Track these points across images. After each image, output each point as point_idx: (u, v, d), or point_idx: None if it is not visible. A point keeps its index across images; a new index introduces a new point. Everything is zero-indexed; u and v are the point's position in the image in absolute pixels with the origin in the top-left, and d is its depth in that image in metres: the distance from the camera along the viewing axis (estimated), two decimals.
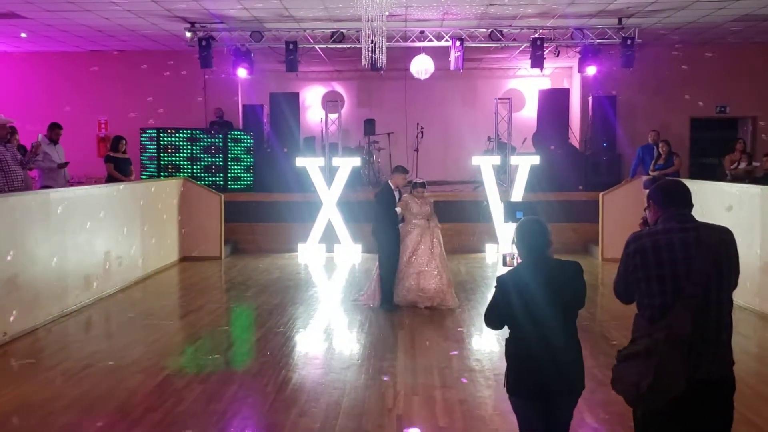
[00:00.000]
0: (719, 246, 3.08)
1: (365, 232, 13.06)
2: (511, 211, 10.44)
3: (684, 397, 2.97)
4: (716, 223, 3.29)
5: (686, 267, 3.02)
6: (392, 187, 8.71)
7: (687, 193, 3.26)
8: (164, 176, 13.52)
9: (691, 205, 3.25)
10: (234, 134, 14.37)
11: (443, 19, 12.97)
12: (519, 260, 3.79)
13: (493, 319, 3.62)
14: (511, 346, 3.55)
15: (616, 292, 3.34)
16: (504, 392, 3.63)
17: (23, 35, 14.02)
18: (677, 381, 2.95)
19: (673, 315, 2.99)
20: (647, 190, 3.41)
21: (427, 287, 8.47)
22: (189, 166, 13.85)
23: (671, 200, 3.22)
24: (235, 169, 14.15)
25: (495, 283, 3.59)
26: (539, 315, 3.41)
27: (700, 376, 2.99)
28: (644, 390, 2.96)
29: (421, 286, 8.48)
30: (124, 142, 11.53)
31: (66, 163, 10.42)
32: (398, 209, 8.65)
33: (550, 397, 3.46)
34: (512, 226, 11.54)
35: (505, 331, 3.62)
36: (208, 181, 13.72)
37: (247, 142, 14.39)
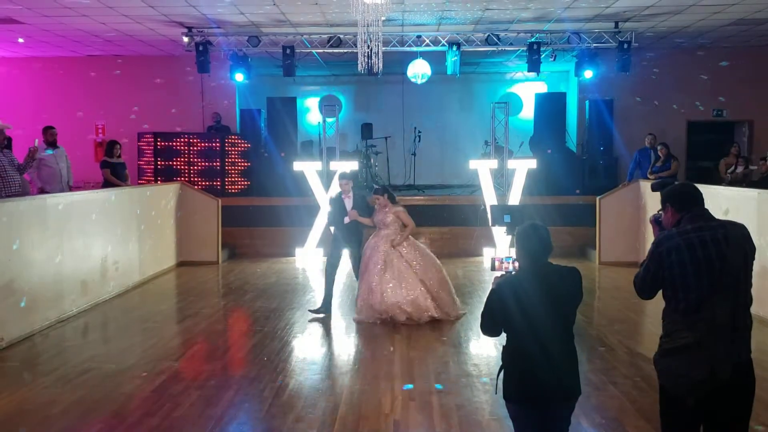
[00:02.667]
0: (744, 241, 3.38)
1: (363, 235, 13.08)
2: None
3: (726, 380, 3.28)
4: None
5: (721, 262, 3.28)
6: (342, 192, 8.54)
7: (701, 194, 3.52)
8: (163, 181, 13.52)
9: (704, 204, 3.51)
10: (231, 139, 14.37)
11: (440, 24, 13.00)
12: (508, 265, 3.78)
13: (490, 326, 3.59)
14: (508, 352, 3.53)
15: (639, 288, 3.56)
16: (501, 397, 3.62)
17: (20, 40, 14.02)
18: (726, 367, 3.25)
19: (712, 307, 3.26)
20: (657, 192, 3.73)
21: (377, 304, 7.90)
22: (186, 171, 13.85)
23: (691, 202, 3.47)
24: (232, 174, 14.16)
25: (494, 287, 3.57)
26: (538, 322, 3.41)
27: (737, 359, 3.30)
28: (700, 380, 3.24)
29: (370, 302, 7.97)
30: (118, 146, 11.53)
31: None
32: (346, 219, 8.34)
33: (547, 404, 3.47)
34: (502, 230, 11.56)
35: (503, 337, 3.61)
36: (206, 185, 13.72)
37: (245, 147, 14.39)
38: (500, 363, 3.60)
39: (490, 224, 11.37)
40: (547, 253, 3.54)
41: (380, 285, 7.94)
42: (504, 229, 10.53)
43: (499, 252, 12.17)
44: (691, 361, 3.27)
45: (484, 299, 3.64)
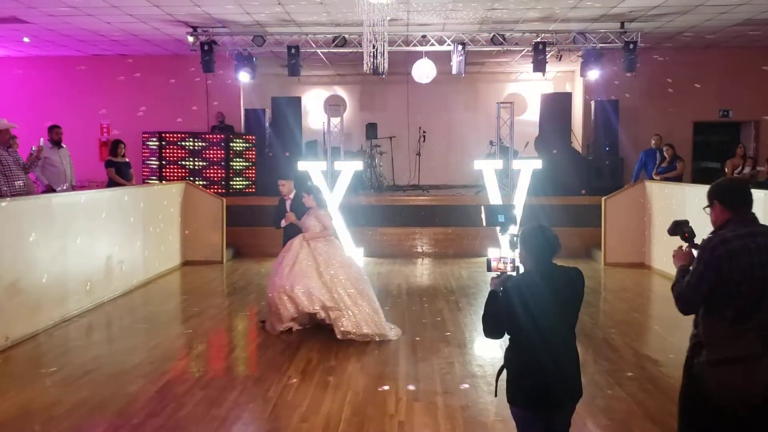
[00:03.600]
0: None
1: (367, 236, 13.07)
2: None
3: None
4: None
5: None
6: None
7: (752, 194, 3.35)
8: (168, 180, 13.53)
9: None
10: (236, 138, 14.38)
11: (445, 24, 12.97)
12: (504, 266, 3.74)
13: (494, 328, 3.54)
14: (514, 354, 3.50)
15: (688, 300, 3.25)
16: (504, 399, 3.59)
17: (26, 40, 14.03)
18: None
19: (762, 317, 3.13)
20: (709, 188, 3.43)
21: (270, 287, 7.53)
22: (191, 171, 13.86)
23: (743, 201, 3.30)
24: (236, 173, 14.16)
25: (497, 289, 3.53)
26: (546, 323, 3.37)
27: None
28: (755, 391, 3.12)
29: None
30: (123, 146, 11.56)
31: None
32: (283, 222, 7.96)
33: (551, 406, 3.44)
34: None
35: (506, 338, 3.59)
36: (210, 185, 13.72)
37: (249, 146, 14.39)
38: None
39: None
40: (553, 254, 3.51)
41: (277, 270, 7.53)
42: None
43: (504, 252, 12.14)
44: (747, 373, 3.14)
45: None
